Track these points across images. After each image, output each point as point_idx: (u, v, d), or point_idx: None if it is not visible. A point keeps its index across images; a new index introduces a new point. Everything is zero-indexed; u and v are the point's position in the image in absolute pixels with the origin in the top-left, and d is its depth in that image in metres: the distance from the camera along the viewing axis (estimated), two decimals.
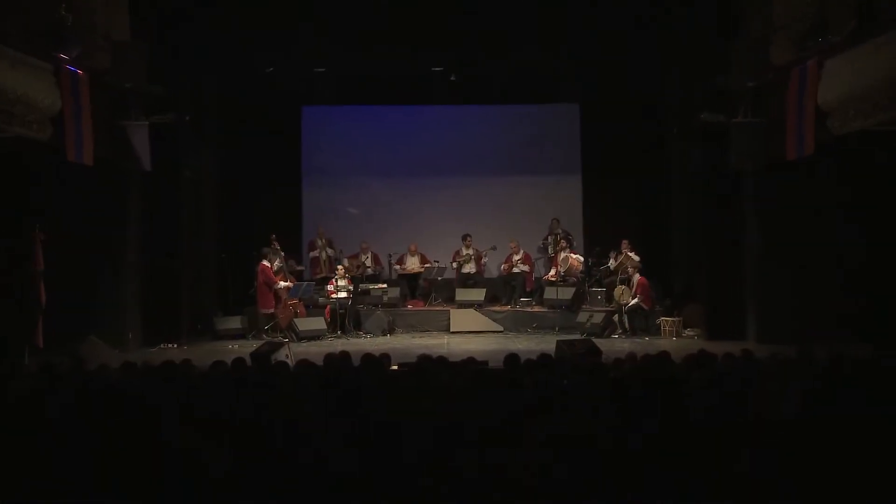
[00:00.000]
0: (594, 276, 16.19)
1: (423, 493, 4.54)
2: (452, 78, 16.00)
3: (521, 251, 16.60)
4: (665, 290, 15.37)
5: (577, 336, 13.52)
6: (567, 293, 15.46)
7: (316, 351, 12.11)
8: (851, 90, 9.93)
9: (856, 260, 11.92)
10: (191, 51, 13.99)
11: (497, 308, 15.90)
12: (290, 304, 14.76)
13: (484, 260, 16.81)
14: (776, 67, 11.62)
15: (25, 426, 5.28)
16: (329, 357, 7.67)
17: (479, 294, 15.96)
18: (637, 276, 14.73)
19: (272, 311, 14.63)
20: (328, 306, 15.12)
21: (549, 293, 15.64)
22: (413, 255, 16.86)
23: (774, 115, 11.76)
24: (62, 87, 10.63)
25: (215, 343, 14.19)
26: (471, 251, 16.64)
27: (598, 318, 14.43)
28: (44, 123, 10.44)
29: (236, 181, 16.28)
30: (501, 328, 15.26)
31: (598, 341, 11.47)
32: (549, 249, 16.84)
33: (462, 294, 16.05)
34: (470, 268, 16.67)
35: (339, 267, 15.64)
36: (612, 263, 15.60)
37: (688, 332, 14.32)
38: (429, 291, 16.65)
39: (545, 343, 12.93)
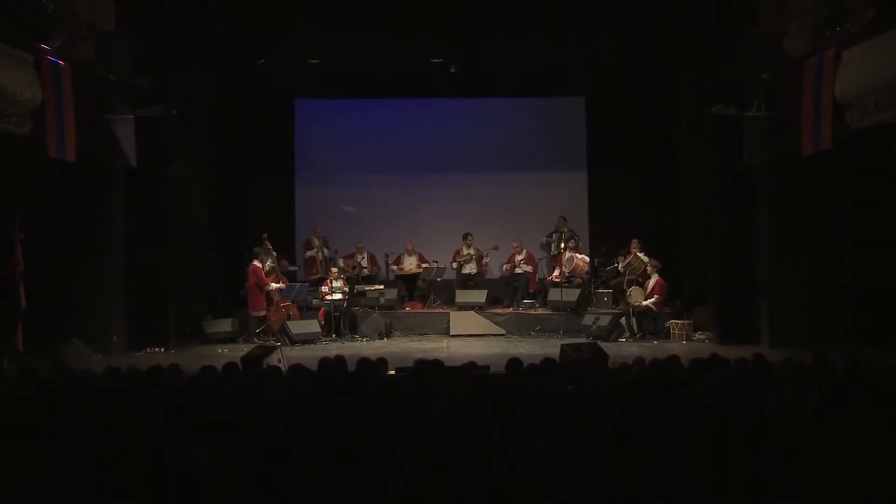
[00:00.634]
0: (600, 276, 16.18)
1: (421, 501, 4.53)
2: (452, 70, 15.96)
3: (524, 251, 16.60)
4: (674, 292, 15.35)
5: (582, 339, 13.49)
6: (572, 295, 15.45)
7: (309, 355, 12.08)
8: (871, 82, 9.89)
9: (876, 261, 11.90)
10: (178, 41, 13.94)
11: (499, 310, 15.90)
12: (283, 307, 14.75)
13: (485, 260, 16.81)
14: (791, 59, 11.60)
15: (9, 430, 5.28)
16: (323, 361, 7.65)
17: (479, 296, 15.94)
18: (655, 276, 14.71)
19: (264, 313, 14.61)
20: (322, 308, 15.10)
21: (554, 295, 15.63)
22: (411, 255, 16.85)
23: (789, 108, 11.74)
24: (43, 80, 10.61)
25: (204, 347, 14.17)
26: (471, 251, 16.63)
27: (605, 320, 14.42)
28: (24, 117, 10.42)
29: (226, 178, 16.27)
30: (503, 331, 15.26)
31: (604, 345, 11.47)
32: (553, 248, 16.83)
33: (462, 296, 16.04)
34: (470, 268, 16.66)
35: (334, 269, 15.62)
36: (620, 265, 15.57)
37: (698, 335, 14.32)
38: (427, 293, 16.64)
39: (549, 347, 12.94)
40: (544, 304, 15.92)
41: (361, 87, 17.04)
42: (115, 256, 13.37)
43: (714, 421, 5.34)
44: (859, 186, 11.88)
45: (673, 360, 7.49)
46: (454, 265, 16.75)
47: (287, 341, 14.13)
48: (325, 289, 15.22)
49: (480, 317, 15.48)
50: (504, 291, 16.63)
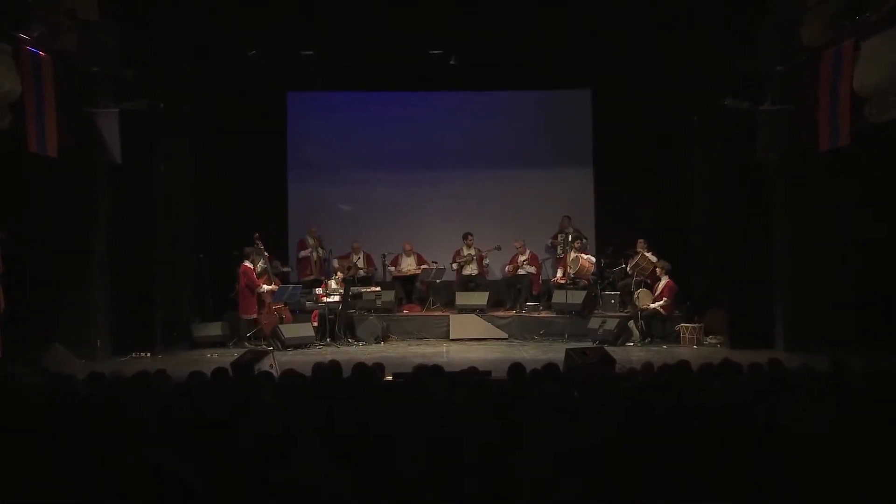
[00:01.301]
0: (607, 278, 16.17)
1: None
2: (452, 62, 15.97)
3: (528, 251, 16.59)
4: (684, 294, 15.33)
5: (588, 344, 13.51)
6: (577, 297, 15.44)
7: (303, 360, 12.11)
8: (892, 73, 9.88)
9: None
10: (165, 32, 13.93)
11: (501, 313, 15.89)
12: (275, 309, 14.74)
13: (486, 261, 16.80)
14: (807, 49, 11.59)
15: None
16: (317, 367, 7.64)
17: (481, 298, 15.93)
18: (665, 278, 14.70)
19: (255, 316, 14.61)
20: (316, 311, 15.09)
21: (558, 297, 15.62)
22: (409, 256, 16.85)
23: (805, 101, 11.73)
24: (23, 71, 10.59)
25: (192, 352, 14.17)
26: (472, 251, 16.62)
27: (612, 324, 14.41)
28: (2, 111, 10.40)
29: (216, 175, 16.26)
30: (505, 335, 15.24)
31: (611, 349, 11.45)
32: (559, 249, 16.82)
33: (462, 298, 16.02)
34: (471, 269, 16.66)
35: (339, 273, 15.57)
36: (627, 266, 15.55)
37: (710, 339, 14.30)
38: (426, 295, 16.64)
39: (553, 351, 12.98)
40: (548, 307, 15.90)
41: (358, 80, 17.04)
42: (98, 257, 13.34)
43: (726, 429, 5.33)
44: (881, 183, 11.85)
45: (683, 365, 7.48)
46: (454, 266, 16.74)
47: (279, 346, 14.12)
48: (319, 290, 15.20)
49: (481, 320, 15.46)
50: (506, 293, 16.61)
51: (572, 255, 16.03)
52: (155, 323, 13.95)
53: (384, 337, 15.19)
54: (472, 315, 15.57)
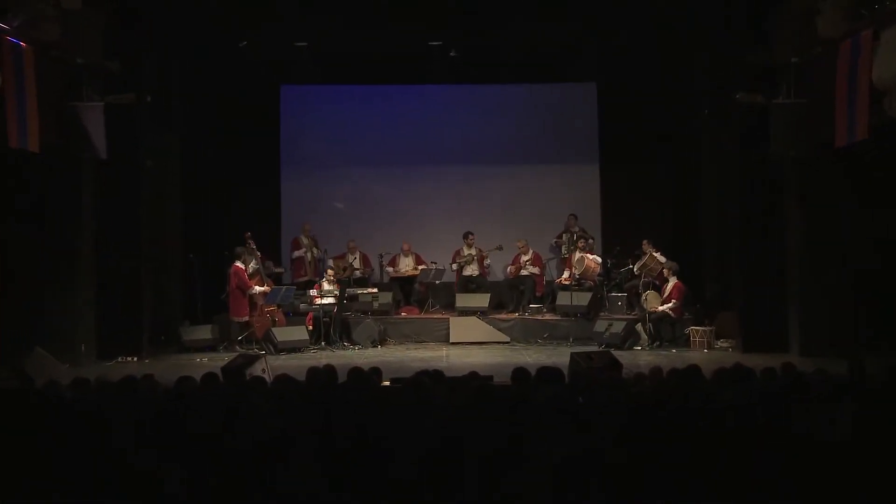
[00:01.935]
0: (614, 279, 16.17)
1: None
2: (452, 54, 15.95)
3: (531, 251, 16.58)
4: (695, 296, 15.33)
5: (594, 348, 13.51)
6: (583, 299, 15.44)
7: (297, 365, 12.10)
8: None
9: None
10: (152, 22, 13.93)
11: (503, 316, 15.89)
12: (267, 312, 14.72)
13: (487, 261, 16.77)
14: (823, 40, 11.56)
15: None
16: (312, 372, 7.64)
17: (482, 300, 15.93)
18: (673, 280, 14.69)
19: (246, 319, 14.60)
20: (311, 314, 15.08)
21: (563, 299, 15.61)
22: (407, 256, 16.84)
23: (821, 95, 11.70)
24: (3, 63, 10.55)
25: (181, 356, 14.15)
26: (473, 251, 16.61)
27: (619, 327, 14.41)
28: None
29: (206, 171, 16.25)
30: (508, 339, 15.26)
31: (617, 353, 11.46)
32: (563, 249, 16.82)
33: (463, 300, 16.03)
34: (472, 270, 16.65)
35: (330, 271, 15.58)
36: (634, 266, 15.54)
37: (721, 343, 14.31)
38: (425, 297, 16.64)
39: (557, 356, 12.94)
40: (552, 309, 15.90)
41: (354, 73, 17.04)
42: (83, 257, 13.32)
43: (739, 436, 5.33)
44: None
45: (693, 369, 7.47)
46: (454, 267, 16.73)
47: (272, 349, 14.11)
48: (314, 292, 15.19)
49: (483, 323, 15.47)
50: (508, 295, 16.60)
51: (577, 255, 16.03)
52: (142, 326, 13.94)
53: (381, 340, 15.19)
54: (473, 318, 15.57)
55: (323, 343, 14.79)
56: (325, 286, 15.18)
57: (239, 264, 14.61)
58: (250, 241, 15.00)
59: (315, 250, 16.66)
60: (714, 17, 14.32)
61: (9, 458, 5.15)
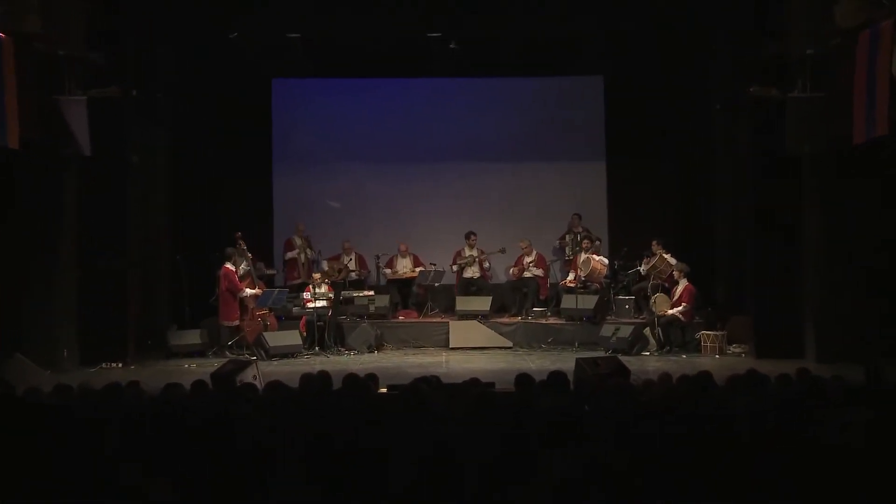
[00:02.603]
0: (621, 281, 16.15)
1: None
2: (452, 45, 15.93)
3: (534, 252, 16.56)
4: (706, 299, 15.33)
5: (600, 353, 13.53)
6: (588, 302, 15.42)
7: (289, 371, 12.13)
8: None
9: None
10: (138, 12, 13.93)
11: (505, 320, 15.89)
12: (259, 315, 14.72)
13: (486, 264, 16.72)
14: (841, 31, 11.56)
15: None
16: (305, 378, 7.65)
17: (483, 303, 15.93)
18: (684, 282, 14.69)
19: (237, 323, 14.60)
20: (304, 318, 15.08)
21: (568, 302, 15.61)
22: (405, 257, 16.83)
23: (838, 88, 11.72)
24: None
25: (168, 362, 14.15)
26: (474, 252, 16.60)
27: (626, 331, 14.40)
28: None
29: (194, 168, 16.23)
30: (510, 343, 15.25)
31: (625, 359, 11.46)
32: (568, 251, 16.81)
33: (463, 303, 16.02)
34: (473, 272, 16.64)
35: (316, 274, 15.58)
36: (643, 267, 15.54)
37: (733, 348, 14.30)
38: (424, 300, 16.62)
39: (562, 361, 12.94)
40: (557, 313, 15.88)
41: (349, 65, 17.01)
42: (65, 258, 13.31)
43: (752, 446, 5.33)
44: None
45: (704, 376, 7.48)
46: (454, 268, 16.72)
47: (263, 355, 14.11)
48: (307, 295, 15.19)
49: (484, 327, 15.47)
50: (511, 298, 16.60)
51: (583, 256, 16.01)
52: (127, 330, 13.92)
53: (378, 345, 15.18)
54: (474, 322, 15.56)
55: (317, 348, 14.77)
56: (318, 289, 15.17)
57: (229, 266, 14.60)
58: (241, 242, 15.00)
59: (309, 251, 16.65)
60: (726, 7, 14.31)
61: None
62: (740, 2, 13.88)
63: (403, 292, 16.84)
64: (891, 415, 5.84)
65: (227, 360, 12.49)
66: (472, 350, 14.99)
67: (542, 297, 16.45)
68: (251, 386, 8.67)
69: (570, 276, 16.25)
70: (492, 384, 8.59)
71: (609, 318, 15.35)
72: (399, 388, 7.81)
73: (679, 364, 13.12)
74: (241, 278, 14.71)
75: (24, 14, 11.50)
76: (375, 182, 17.55)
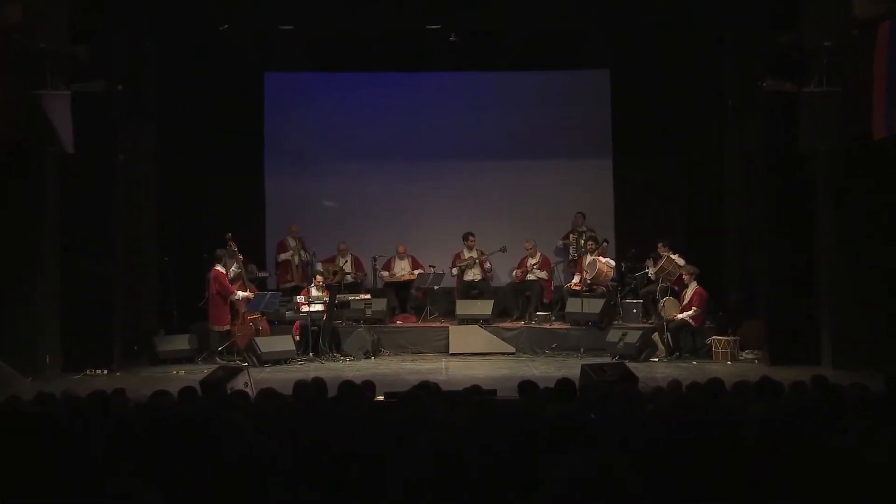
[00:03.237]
0: (628, 284, 16.16)
1: None
2: (452, 38, 15.93)
3: (538, 254, 16.55)
4: (717, 303, 15.33)
5: (607, 359, 13.53)
6: (595, 306, 15.42)
7: (282, 378, 12.12)
8: None
9: None
10: (125, 3, 13.92)
11: (507, 324, 15.88)
12: (250, 320, 14.72)
13: (486, 265, 16.72)
14: (860, 22, 11.55)
15: None
16: (299, 385, 7.64)
17: (484, 307, 15.92)
18: (694, 285, 14.68)
19: (228, 328, 14.59)
20: (298, 322, 15.07)
21: (573, 306, 15.60)
22: (403, 259, 16.83)
23: (856, 82, 11.71)
24: None
25: (156, 369, 14.16)
26: (473, 253, 16.59)
27: (634, 336, 14.40)
28: None
29: (183, 167, 16.23)
30: (513, 349, 15.25)
31: (632, 365, 11.51)
32: (572, 251, 16.79)
33: (464, 307, 16.02)
34: (473, 274, 16.64)
35: (318, 276, 15.56)
36: (651, 270, 15.53)
37: (746, 354, 14.33)
38: (422, 304, 16.61)
39: (567, 368, 12.98)
40: (562, 317, 15.88)
41: (344, 59, 17.01)
42: (48, 260, 13.29)
43: (764, 457, 5.31)
44: None
45: (715, 383, 7.47)
46: (454, 271, 16.72)
47: (255, 361, 14.09)
48: (300, 299, 15.18)
49: (485, 332, 15.46)
50: (513, 302, 16.58)
51: (589, 258, 16.00)
52: (112, 335, 13.92)
53: (375, 351, 15.19)
54: (475, 326, 15.56)
55: (311, 354, 14.77)
56: (314, 292, 15.16)
57: (219, 268, 14.59)
58: (232, 243, 14.99)
59: (303, 253, 16.65)
60: None
61: None
62: None
63: (401, 296, 16.82)
64: None
65: (217, 366, 12.53)
66: (472, 356, 15.00)
67: (546, 301, 16.45)
68: (242, 393, 8.66)
69: (576, 279, 16.23)
70: (494, 392, 8.60)
71: (616, 322, 15.37)
72: (397, 396, 7.80)
73: (689, 371, 13.13)
74: (232, 281, 14.70)
75: (4, 4, 11.50)
76: (372, 181, 17.53)
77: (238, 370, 10.93)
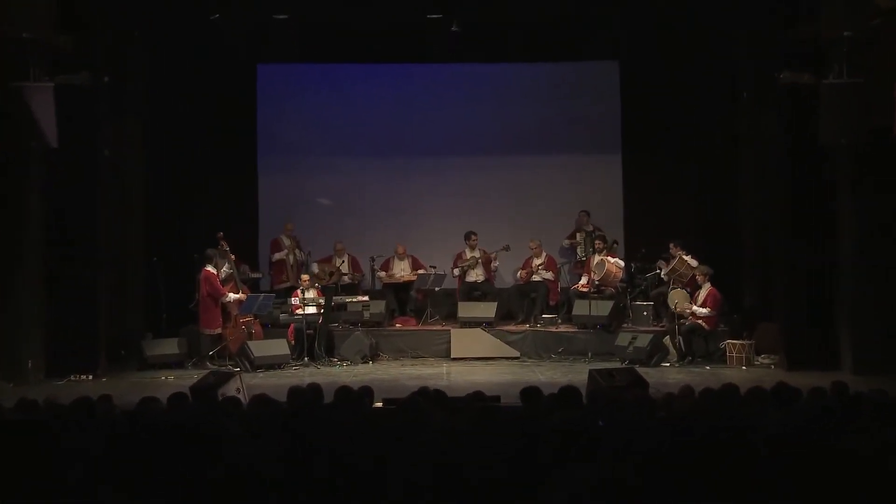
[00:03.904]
0: (638, 286, 16.15)
1: None
2: (454, 28, 15.92)
3: (544, 254, 16.56)
4: (732, 305, 15.31)
5: (616, 364, 13.55)
6: (603, 308, 15.41)
7: (276, 383, 12.17)
8: None
9: None
10: None
11: (512, 328, 15.89)
12: (243, 323, 14.72)
13: (494, 265, 16.74)
14: (882, 10, 11.56)
15: None
16: (293, 391, 7.64)
17: (487, 309, 15.92)
18: (707, 286, 14.67)
19: (219, 331, 14.60)
20: (292, 325, 15.08)
21: (580, 308, 15.60)
22: (402, 259, 16.84)
23: (878, 73, 11.70)
24: None
25: (144, 374, 14.17)
26: (476, 253, 16.60)
27: (644, 340, 14.39)
28: None
29: (172, 162, 16.21)
30: (517, 354, 15.25)
31: (642, 371, 11.49)
32: (580, 251, 16.79)
33: (466, 309, 16.03)
34: (476, 275, 16.64)
35: (304, 277, 15.59)
36: (664, 271, 15.52)
37: (762, 359, 14.32)
38: (423, 306, 16.62)
39: (574, 373, 13.05)
40: (568, 320, 15.89)
41: (341, 50, 17.00)
42: (30, 261, 13.31)
43: (781, 468, 5.31)
44: None
45: (730, 389, 7.47)
46: (456, 272, 16.72)
47: (248, 366, 14.10)
48: (295, 301, 15.18)
49: (489, 335, 15.47)
50: (518, 304, 16.59)
51: (597, 258, 15.98)
52: (98, 339, 13.93)
53: (373, 356, 15.19)
54: (478, 330, 15.57)
55: (306, 359, 14.76)
56: (308, 294, 15.16)
57: (210, 269, 14.60)
58: (223, 242, 14.97)
59: (298, 253, 16.65)
60: None
61: None
62: None
63: (401, 297, 16.83)
64: None
65: (207, 371, 12.51)
66: (475, 361, 15.00)
67: (551, 303, 16.45)
68: (234, 400, 8.66)
69: (583, 280, 16.22)
70: (497, 398, 8.61)
71: (625, 325, 15.38)
72: (396, 403, 7.81)
73: (702, 376, 13.13)
74: (224, 282, 14.70)
75: None
76: (370, 178, 17.53)
77: (230, 376, 10.96)
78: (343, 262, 16.71)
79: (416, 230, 17.30)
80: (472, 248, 16.64)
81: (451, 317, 16.27)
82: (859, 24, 11.96)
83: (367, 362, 14.95)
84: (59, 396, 8.36)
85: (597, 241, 16.16)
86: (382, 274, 16.83)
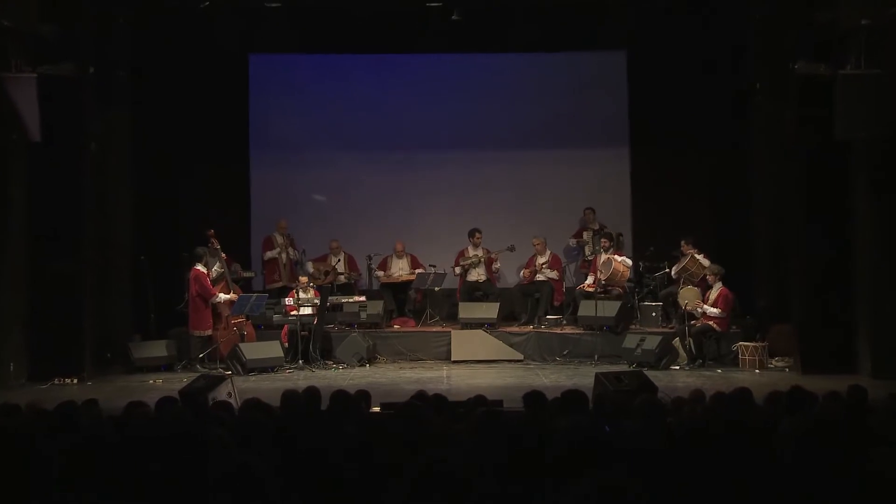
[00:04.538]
0: (646, 285, 16.15)
1: None
2: (455, 17, 15.92)
3: (548, 252, 16.57)
4: (744, 306, 15.32)
5: (623, 367, 13.54)
6: (610, 309, 15.41)
7: (269, 387, 12.20)
8: None
9: None
10: None
11: (515, 329, 15.91)
12: (234, 324, 14.73)
13: (496, 265, 16.74)
14: None
15: None
16: (287, 395, 7.64)
17: (490, 310, 15.94)
18: (719, 286, 14.67)
19: (209, 333, 14.61)
20: (286, 327, 15.08)
21: (586, 309, 15.60)
22: (401, 258, 16.85)
23: None
24: None
25: (131, 377, 14.18)
26: (479, 252, 16.60)
27: (653, 342, 14.40)
28: None
29: (160, 157, 16.23)
30: (521, 356, 15.28)
31: (651, 374, 11.50)
32: (587, 250, 16.78)
33: (467, 310, 16.04)
34: (478, 274, 16.64)
35: (303, 277, 15.58)
36: (673, 270, 15.51)
37: (775, 361, 14.34)
38: (422, 306, 16.62)
39: (580, 376, 13.06)
40: (574, 321, 15.89)
41: (336, 39, 17.01)
42: (12, 260, 13.34)
43: (797, 475, 5.31)
44: None
45: (742, 393, 7.46)
46: (457, 271, 16.73)
47: (239, 369, 14.10)
48: (289, 301, 15.18)
49: (491, 337, 15.49)
50: (521, 304, 16.60)
51: (603, 256, 15.98)
52: (83, 341, 13.93)
53: (370, 358, 15.20)
54: (479, 331, 15.58)
55: (300, 361, 14.77)
56: (302, 294, 15.16)
57: (200, 268, 14.61)
58: (214, 240, 14.99)
59: (291, 251, 16.65)
60: None
61: None
62: None
63: (399, 298, 16.85)
64: None
65: (197, 375, 12.53)
66: (476, 363, 15.02)
67: (556, 304, 16.47)
68: (225, 405, 8.66)
69: (589, 280, 16.23)
70: (500, 402, 8.60)
71: (633, 327, 15.39)
72: (394, 407, 7.82)
73: (713, 380, 13.16)
74: (214, 282, 14.71)
75: None
76: (367, 173, 17.55)
77: (221, 379, 10.93)
78: (339, 260, 16.73)
79: (415, 227, 17.32)
80: (476, 246, 16.63)
81: (452, 318, 16.30)
82: (877, 13, 11.96)
83: (364, 365, 14.96)
84: (43, 401, 8.36)
85: (603, 240, 16.13)
86: (380, 273, 16.84)
